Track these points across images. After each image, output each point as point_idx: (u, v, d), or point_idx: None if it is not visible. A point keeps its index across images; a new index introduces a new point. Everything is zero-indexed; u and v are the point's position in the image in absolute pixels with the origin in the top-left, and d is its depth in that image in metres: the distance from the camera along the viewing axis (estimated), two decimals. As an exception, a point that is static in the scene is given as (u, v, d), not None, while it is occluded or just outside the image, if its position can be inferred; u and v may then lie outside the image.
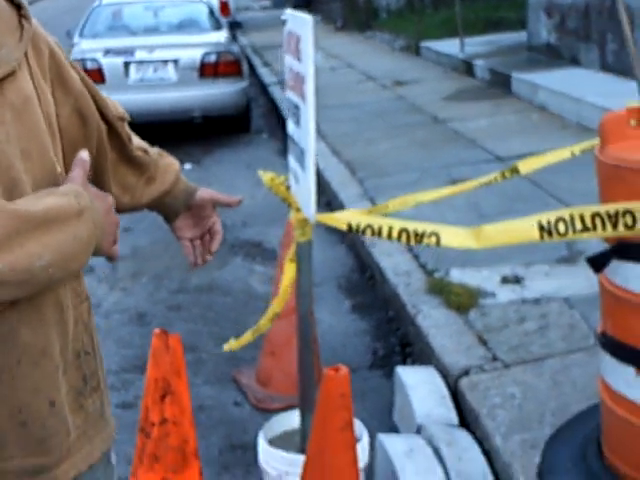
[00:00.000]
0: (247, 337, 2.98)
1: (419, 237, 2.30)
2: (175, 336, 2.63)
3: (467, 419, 3.26)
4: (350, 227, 2.41)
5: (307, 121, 2.21)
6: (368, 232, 2.39)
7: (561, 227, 2.26)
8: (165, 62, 8.72)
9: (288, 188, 2.56)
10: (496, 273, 4.34)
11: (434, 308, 4.05)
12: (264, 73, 12.99)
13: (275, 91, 11.28)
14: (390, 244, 5.02)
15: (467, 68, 10.78)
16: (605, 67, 8.86)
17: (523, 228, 2.27)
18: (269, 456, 2.70)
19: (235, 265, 5.44)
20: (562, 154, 3.18)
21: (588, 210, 2.28)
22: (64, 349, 1.51)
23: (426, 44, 12.62)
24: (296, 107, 2.36)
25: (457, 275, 4.36)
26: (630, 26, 7.14)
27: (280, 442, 2.80)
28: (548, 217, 2.25)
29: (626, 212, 2.24)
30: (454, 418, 3.25)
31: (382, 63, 12.85)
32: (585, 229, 2.28)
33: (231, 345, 2.98)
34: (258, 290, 4.99)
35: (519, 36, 11.35)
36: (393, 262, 4.71)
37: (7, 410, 1.46)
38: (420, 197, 2.98)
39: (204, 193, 1.98)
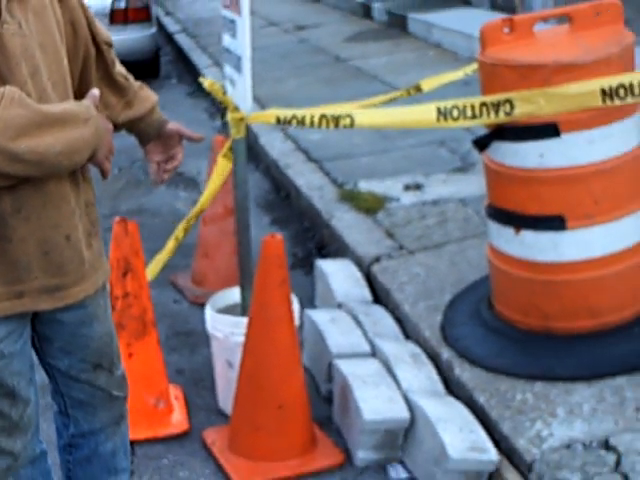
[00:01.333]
0: (170, 245, 3.46)
1: (336, 120, 2.80)
2: (132, 222, 3.09)
3: (380, 297, 3.80)
4: (278, 119, 2.90)
5: (243, 32, 2.70)
6: (294, 122, 2.88)
7: (455, 113, 2.78)
8: None
9: (224, 94, 3.03)
10: (399, 182, 4.89)
11: (346, 212, 4.58)
12: (168, 22, 13.25)
13: (181, 39, 11.58)
14: (302, 165, 5.53)
15: (365, 11, 11.27)
16: (494, 6, 9.46)
17: (423, 111, 2.79)
18: (216, 322, 3.20)
19: (161, 192, 5.86)
20: (457, 74, 3.74)
21: (477, 100, 2.82)
22: (77, 199, 1.99)
23: (324, -11, 13.04)
24: (232, 22, 2.84)
25: (365, 185, 4.89)
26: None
27: (224, 312, 3.30)
28: (445, 104, 2.78)
29: (506, 101, 2.78)
30: (368, 296, 3.79)
31: (282, 9, 13.22)
32: (474, 116, 2.82)
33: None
34: (183, 211, 5.43)
35: (413, -21, 11.86)
36: (307, 180, 5.21)
37: (34, 242, 1.94)
38: (332, 109, 3.46)
39: (173, 126, 2.42)
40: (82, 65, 2.13)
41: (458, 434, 2.76)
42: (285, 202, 5.44)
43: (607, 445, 2.65)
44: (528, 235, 2.93)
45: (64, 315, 2.09)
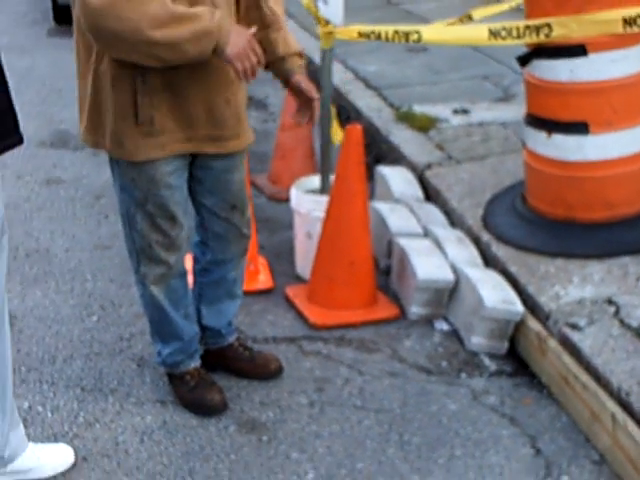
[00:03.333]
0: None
1: (406, 35, 3.50)
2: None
3: (431, 196, 4.52)
4: (360, 33, 3.60)
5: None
6: (372, 36, 3.58)
7: (503, 33, 3.47)
8: None
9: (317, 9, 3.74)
10: (448, 107, 5.58)
11: (402, 130, 5.28)
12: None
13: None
14: (362, 92, 6.22)
15: (417, -41, 11.83)
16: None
17: (478, 30, 3.48)
18: (300, 200, 3.94)
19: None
20: (502, 7, 4.41)
21: (522, 23, 3.49)
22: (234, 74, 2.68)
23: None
24: None
25: (418, 109, 5.59)
26: None
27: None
28: (495, 26, 3.46)
29: (545, 24, 3.45)
30: (421, 195, 4.51)
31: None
32: (518, 36, 3.50)
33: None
34: (255, 126, 6.16)
35: None
36: (366, 103, 5.91)
37: (201, 101, 2.69)
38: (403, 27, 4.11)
39: (296, 79, 2.95)
40: None
41: (492, 290, 3.49)
42: (346, 123, 6.13)
43: (610, 301, 3.37)
44: (557, 138, 3.62)
45: (215, 162, 2.86)
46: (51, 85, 7.11)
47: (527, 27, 3.43)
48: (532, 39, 3.46)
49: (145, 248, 2.89)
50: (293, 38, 3.01)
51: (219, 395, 3.15)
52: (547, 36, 3.42)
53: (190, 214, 3.01)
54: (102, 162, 5.60)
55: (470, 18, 4.31)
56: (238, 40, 2.59)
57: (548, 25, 3.42)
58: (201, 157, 2.86)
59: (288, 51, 2.98)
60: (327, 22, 3.68)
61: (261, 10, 2.92)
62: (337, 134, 3.98)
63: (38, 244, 4.48)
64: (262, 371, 3.31)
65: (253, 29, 2.65)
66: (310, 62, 6.12)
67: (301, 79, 2.99)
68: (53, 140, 5.94)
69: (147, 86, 2.63)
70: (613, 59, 3.42)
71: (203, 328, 3.26)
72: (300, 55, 3.00)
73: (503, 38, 3.46)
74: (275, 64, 2.99)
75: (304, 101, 3.02)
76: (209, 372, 3.24)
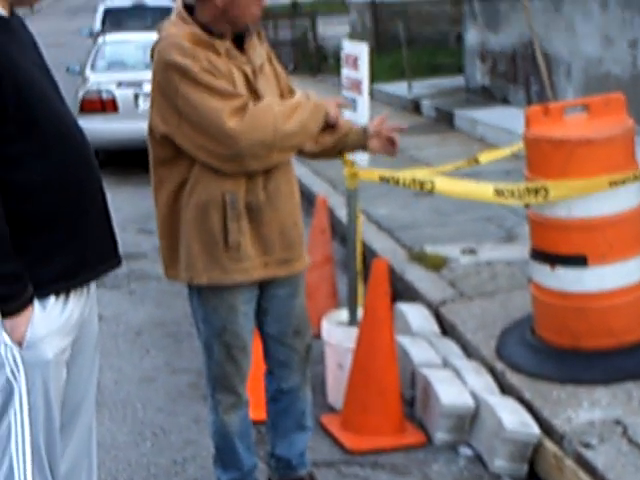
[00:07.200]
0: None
1: (421, 184, 3.98)
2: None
3: (446, 330, 4.93)
4: (381, 177, 4.10)
5: (363, 107, 3.97)
6: (392, 181, 4.07)
7: (506, 193, 3.96)
8: None
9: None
10: (457, 247, 6.05)
11: (416, 269, 5.74)
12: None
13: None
14: (375, 233, 6.71)
15: (415, 107, 12.61)
16: (530, 104, 10.73)
17: (485, 188, 3.97)
18: (331, 332, 4.35)
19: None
20: (505, 151, 4.94)
21: (522, 185, 3.99)
22: (296, 195, 3.17)
23: (377, 86, 14.42)
24: (353, 100, 4.12)
25: (430, 249, 6.06)
26: (547, 70, 9.06)
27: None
28: (500, 186, 3.95)
29: (542, 187, 3.94)
30: (437, 329, 4.92)
31: (338, 103, 14.61)
32: (520, 197, 3.98)
33: None
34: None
35: (458, 80, 13.23)
36: (381, 244, 6.40)
37: (276, 226, 3.13)
38: (420, 174, 4.59)
39: (374, 128, 3.44)
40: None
41: (511, 415, 3.86)
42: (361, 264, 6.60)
43: (617, 422, 3.74)
44: (560, 271, 4.06)
45: (280, 290, 3.26)
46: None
47: (527, 189, 3.93)
48: (531, 200, 3.95)
49: (220, 377, 3.26)
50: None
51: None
52: (545, 198, 3.90)
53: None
54: (137, 300, 6.09)
55: (477, 161, 4.83)
56: (330, 105, 3.23)
57: (545, 188, 3.90)
58: (267, 286, 3.25)
59: (348, 125, 3.41)
60: (352, 163, 4.21)
61: None
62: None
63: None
64: None
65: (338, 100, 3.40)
66: (332, 213, 6.65)
67: (370, 126, 3.46)
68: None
69: (236, 211, 3.05)
70: (606, 197, 3.89)
71: (275, 458, 3.56)
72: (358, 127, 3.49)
73: (506, 197, 3.95)
74: (344, 140, 3.38)
75: (386, 138, 3.46)
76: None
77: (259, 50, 3.20)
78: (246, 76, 3.10)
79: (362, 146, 3.46)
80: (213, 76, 2.99)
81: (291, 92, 3.35)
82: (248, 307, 3.22)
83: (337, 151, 3.47)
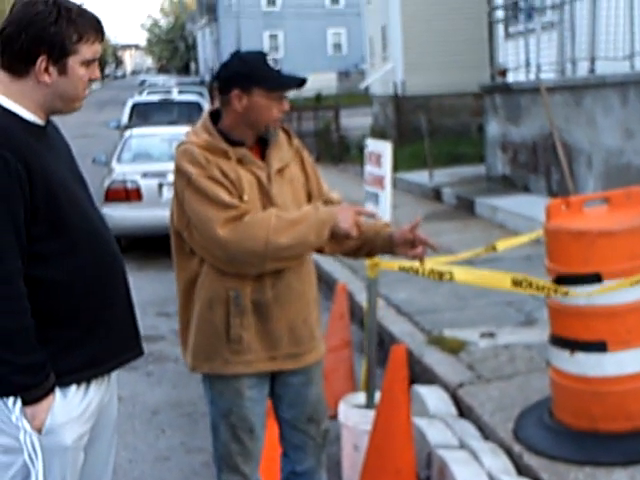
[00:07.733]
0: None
1: (440, 274, 4.01)
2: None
3: (464, 412, 4.89)
4: (400, 268, 4.12)
5: (386, 202, 4.00)
6: (411, 271, 4.09)
7: (524, 284, 3.98)
8: None
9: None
10: (476, 331, 6.04)
11: (434, 352, 5.73)
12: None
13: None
14: (394, 317, 6.72)
15: (436, 195, 12.72)
16: (551, 193, 10.80)
17: (502, 278, 4.00)
18: (348, 414, 4.33)
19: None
20: (522, 239, 4.95)
21: (539, 280, 4.00)
22: (309, 293, 3.19)
23: (399, 175, 14.59)
24: (375, 195, 4.14)
25: (448, 332, 6.05)
26: (568, 161, 9.14)
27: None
28: (518, 277, 3.97)
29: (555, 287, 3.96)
30: (454, 411, 4.89)
31: (359, 192, 14.76)
32: (537, 289, 4.00)
33: None
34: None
35: (479, 169, 13.37)
36: (399, 328, 6.39)
37: (285, 323, 3.16)
38: (438, 265, 4.61)
39: (401, 235, 3.35)
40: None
41: (528, 496, 3.81)
42: (380, 347, 6.59)
43: (637, 504, 3.69)
44: (579, 356, 4.05)
45: (293, 379, 3.28)
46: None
47: (545, 285, 3.95)
48: (549, 294, 3.96)
49: (226, 457, 3.27)
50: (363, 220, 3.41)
51: None
52: (566, 294, 3.91)
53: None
54: (154, 382, 6.11)
55: (494, 249, 4.84)
56: (346, 215, 3.11)
57: (556, 290, 3.92)
58: (280, 375, 3.29)
59: (375, 225, 3.42)
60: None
61: (331, 204, 3.36)
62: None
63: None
64: None
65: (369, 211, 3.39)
66: (351, 298, 6.68)
67: (398, 231, 3.37)
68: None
69: (239, 308, 3.13)
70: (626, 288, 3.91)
71: None
72: (384, 223, 3.48)
73: (524, 288, 3.96)
74: (370, 244, 3.38)
75: (412, 242, 3.37)
76: None
77: (285, 152, 3.27)
78: (259, 181, 3.17)
79: (390, 252, 3.45)
80: (217, 183, 3.08)
81: (321, 194, 3.38)
82: (255, 392, 3.25)
83: (364, 253, 3.48)
